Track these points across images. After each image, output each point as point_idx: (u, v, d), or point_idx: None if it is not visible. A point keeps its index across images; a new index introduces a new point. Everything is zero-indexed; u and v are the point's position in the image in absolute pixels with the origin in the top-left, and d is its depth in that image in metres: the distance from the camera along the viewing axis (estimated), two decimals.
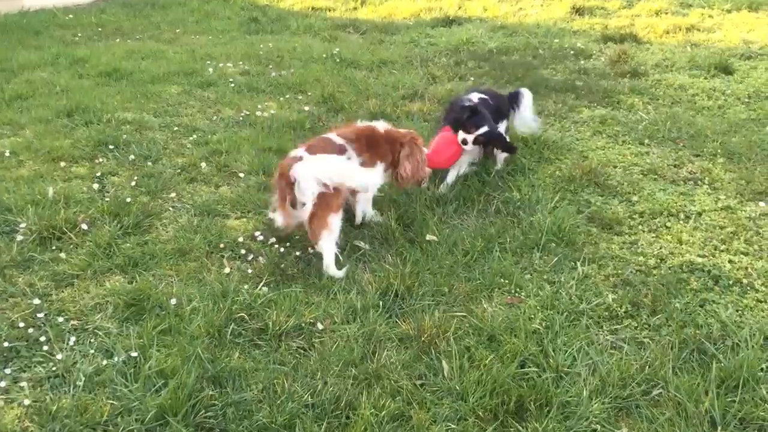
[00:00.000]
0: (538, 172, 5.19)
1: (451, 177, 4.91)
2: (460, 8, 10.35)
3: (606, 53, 8.06)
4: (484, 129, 4.73)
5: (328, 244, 3.91)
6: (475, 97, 5.01)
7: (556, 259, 4.09)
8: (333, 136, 4.18)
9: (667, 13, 9.66)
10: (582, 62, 7.79)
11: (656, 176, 5.13)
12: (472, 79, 7.24)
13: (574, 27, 9.26)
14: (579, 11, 9.82)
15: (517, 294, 3.82)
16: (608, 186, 4.97)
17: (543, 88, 6.86)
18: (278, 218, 3.99)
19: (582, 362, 3.29)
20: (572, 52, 8.11)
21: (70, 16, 9.76)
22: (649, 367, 3.25)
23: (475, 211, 4.60)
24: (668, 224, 4.51)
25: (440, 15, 9.97)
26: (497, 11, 10.06)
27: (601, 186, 4.97)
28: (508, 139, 5.06)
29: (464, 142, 4.75)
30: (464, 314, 3.59)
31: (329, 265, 3.92)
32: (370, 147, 4.25)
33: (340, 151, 4.06)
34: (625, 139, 5.77)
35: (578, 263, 4.06)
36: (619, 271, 4.02)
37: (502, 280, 3.91)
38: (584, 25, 9.30)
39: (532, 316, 3.61)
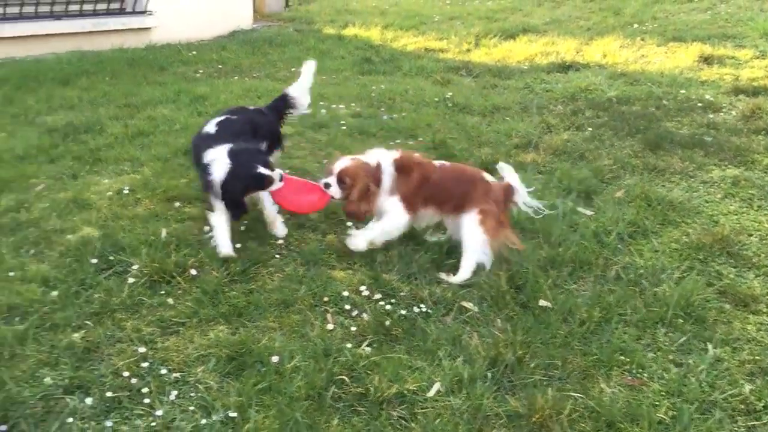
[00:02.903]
0: (662, 236, 4.82)
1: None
2: (578, 53, 10.03)
3: (737, 107, 7.52)
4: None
5: None
6: (212, 124, 4.59)
7: (684, 338, 3.74)
8: None
9: None
10: (711, 116, 7.30)
11: None
12: (590, 129, 6.93)
13: (702, 77, 8.73)
14: (707, 60, 9.27)
15: (638, 375, 3.50)
16: (743, 257, 4.54)
17: (668, 143, 6.45)
18: None
19: None
20: (700, 104, 7.63)
21: (194, 52, 10.15)
22: None
23: (592, 276, 4.31)
24: None
25: (557, 60, 9.68)
26: (618, 57, 9.66)
27: (735, 256, 4.55)
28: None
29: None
30: (580, 395, 3.31)
31: None
32: None
33: None
34: (761, 204, 5.29)
35: (709, 344, 3.69)
36: (757, 357, 3.61)
37: (621, 357, 3.60)
38: (713, 75, 8.76)
39: (657, 402, 3.29)
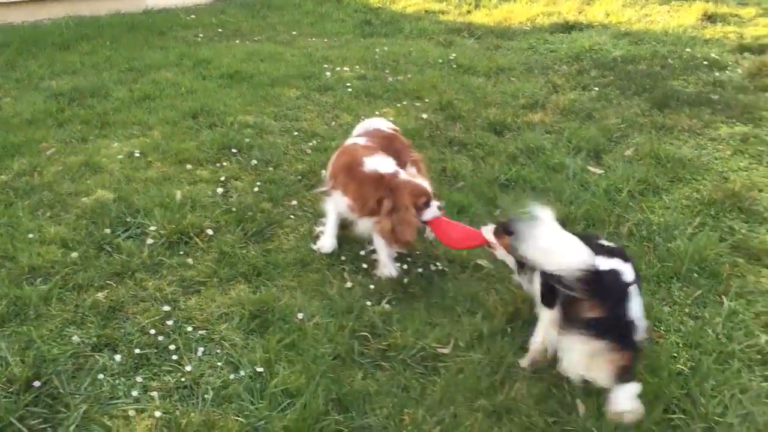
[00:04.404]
0: (673, 193, 4.85)
1: None
2: (580, 13, 9.94)
3: (743, 65, 7.50)
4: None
5: None
6: None
7: (699, 291, 3.78)
8: None
9: None
10: (716, 74, 7.28)
11: None
12: (596, 89, 6.90)
13: (706, 35, 8.68)
14: (711, 18, 9.21)
15: (656, 328, 3.55)
16: (754, 212, 4.58)
17: (674, 101, 6.45)
18: None
19: (734, 411, 3.00)
20: (705, 62, 7.60)
21: (192, 16, 10.02)
22: None
23: (605, 233, 4.33)
24: None
25: (559, 20, 9.59)
26: (621, 17, 9.59)
27: (746, 212, 4.58)
28: None
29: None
30: None
31: None
32: None
33: None
34: None
35: (724, 298, 3.74)
36: None
37: None
38: (717, 34, 8.72)
39: (675, 354, 3.34)
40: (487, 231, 3.59)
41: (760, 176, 5.08)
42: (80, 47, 7.89)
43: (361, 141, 4.20)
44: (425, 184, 3.85)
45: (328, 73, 7.18)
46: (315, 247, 4.07)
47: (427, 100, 6.53)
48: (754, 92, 6.70)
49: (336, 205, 4.07)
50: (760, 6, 9.72)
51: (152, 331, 3.32)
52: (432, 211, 3.82)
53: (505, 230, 3.46)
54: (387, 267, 3.95)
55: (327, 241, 4.07)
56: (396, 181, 3.79)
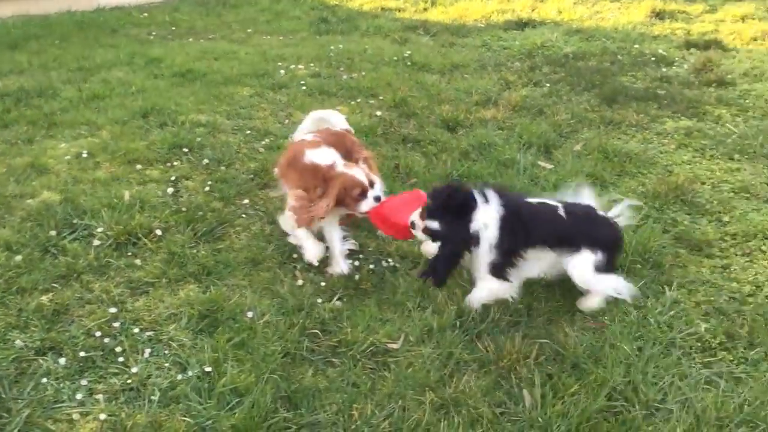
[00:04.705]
0: (620, 187, 4.96)
1: None
2: (533, 10, 10.06)
3: (689, 60, 7.69)
4: None
5: None
6: None
7: (642, 282, 3.88)
8: None
9: (753, 19, 9.17)
10: (664, 69, 7.46)
11: (748, 195, 4.83)
12: (548, 85, 7.01)
13: (655, 32, 8.88)
14: (659, 15, 9.42)
15: (600, 318, 3.63)
16: (696, 204, 4.71)
17: (623, 97, 6.58)
18: None
19: (674, 398, 3.09)
20: (653, 58, 7.77)
21: (145, 14, 9.90)
22: (748, 406, 3.04)
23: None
24: (763, 248, 4.23)
25: (513, 17, 9.71)
26: (573, 14, 9.73)
27: (689, 204, 4.71)
28: None
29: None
30: (546, 339, 3.42)
31: None
32: None
33: None
34: (713, 154, 5.47)
35: (666, 287, 3.84)
36: (712, 298, 3.79)
37: None
38: (665, 30, 8.92)
39: (618, 343, 3.42)
40: (414, 215, 3.65)
41: (702, 169, 5.22)
42: (28, 46, 7.77)
43: (310, 137, 4.21)
44: (361, 175, 3.84)
45: (282, 71, 7.16)
46: (313, 263, 3.92)
47: (381, 98, 6.55)
48: (698, 87, 6.88)
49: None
50: (707, 2, 9.96)
51: (98, 334, 3.29)
52: (368, 203, 3.82)
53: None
54: (339, 264, 3.97)
55: (312, 250, 3.95)
56: (332, 173, 3.81)
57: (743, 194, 4.84)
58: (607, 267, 3.60)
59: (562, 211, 3.62)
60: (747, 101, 6.53)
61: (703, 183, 5.02)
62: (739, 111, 6.31)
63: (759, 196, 4.81)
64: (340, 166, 3.86)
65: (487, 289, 3.63)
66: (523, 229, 3.52)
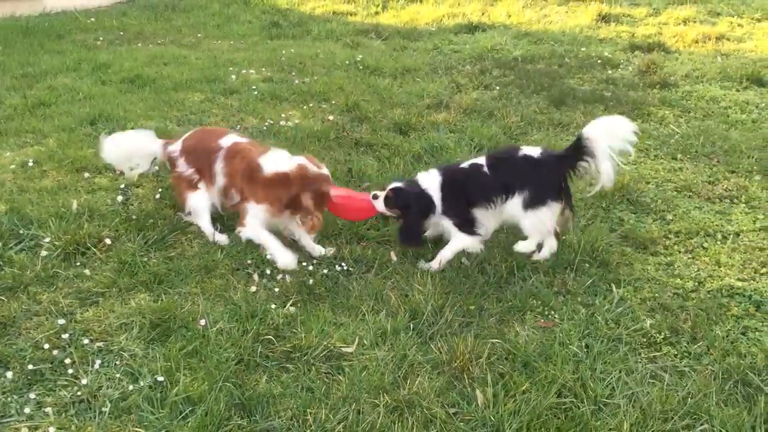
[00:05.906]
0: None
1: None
2: (483, 14, 10.21)
3: (634, 63, 7.91)
4: None
5: None
6: None
7: (590, 280, 3.98)
8: None
9: (695, 22, 9.47)
10: (609, 72, 7.65)
11: (691, 193, 5.00)
12: (498, 88, 7.12)
13: (601, 35, 9.10)
14: (605, 18, 9.66)
15: (550, 317, 3.71)
16: (641, 203, 4.85)
17: (571, 99, 6.73)
18: None
19: (621, 393, 3.17)
20: (599, 61, 7.96)
21: (92, 19, 9.73)
22: (691, 398, 3.13)
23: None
24: (705, 245, 4.38)
25: (463, 21, 9.83)
26: (522, 18, 9.91)
27: (635, 203, 4.85)
28: None
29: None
30: (497, 339, 3.48)
31: None
32: None
33: None
34: (657, 154, 5.64)
35: (613, 285, 3.95)
36: (656, 295, 3.90)
37: (534, 301, 3.81)
38: (611, 33, 9.15)
39: (568, 341, 3.50)
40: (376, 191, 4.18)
41: (647, 169, 5.37)
42: None
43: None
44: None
45: (233, 76, 7.13)
46: (288, 269, 4.01)
47: (333, 102, 6.57)
48: (643, 89, 7.08)
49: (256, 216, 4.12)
50: (651, 6, 10.24)
51: (46, 346, 3.23)
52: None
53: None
54: (314, 249, 4.22)
55: (284, 258, 4.06)
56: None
57: (686, 193, 5.00)
58: (535, 200, 4.01)
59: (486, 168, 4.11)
60: (689, 102, 6.74)
61: (648, 182, 5.17)
62: (682, 112, 6.52)
63: (700, 195, 4.97)
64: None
65: (459, 245, 4.12)
66: (462, 192, 4.11)
